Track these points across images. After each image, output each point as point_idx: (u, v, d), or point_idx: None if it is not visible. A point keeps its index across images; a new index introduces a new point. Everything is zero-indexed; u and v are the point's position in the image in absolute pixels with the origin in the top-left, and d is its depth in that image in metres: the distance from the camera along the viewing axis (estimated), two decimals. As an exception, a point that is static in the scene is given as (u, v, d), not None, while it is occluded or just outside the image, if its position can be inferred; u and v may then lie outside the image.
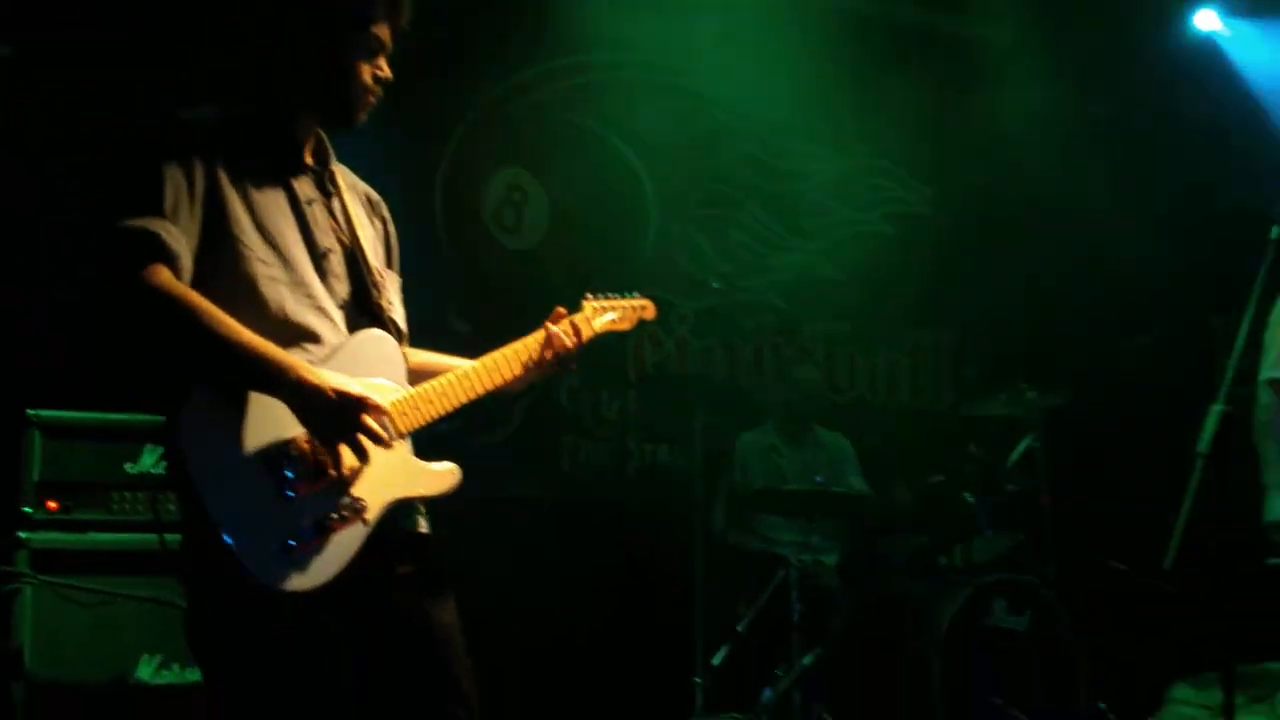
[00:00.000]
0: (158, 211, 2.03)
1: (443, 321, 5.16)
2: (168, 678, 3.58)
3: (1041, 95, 6.24)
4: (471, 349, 2.44)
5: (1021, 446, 5.38)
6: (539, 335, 2.44)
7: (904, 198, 6.60)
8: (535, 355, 2.42)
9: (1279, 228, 3.01)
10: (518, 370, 2.40)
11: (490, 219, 5.58)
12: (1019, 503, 5.26)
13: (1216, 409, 2.78)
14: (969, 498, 4.88)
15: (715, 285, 4.79)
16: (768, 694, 4.47)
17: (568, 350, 2.44)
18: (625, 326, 2.62)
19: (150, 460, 3.71)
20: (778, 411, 5.59)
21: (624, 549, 5.35)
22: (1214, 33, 6.53)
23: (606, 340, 2.58)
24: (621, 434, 5.77)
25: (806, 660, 4.30)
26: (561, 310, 2.49)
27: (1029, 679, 4.42)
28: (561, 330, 2.44)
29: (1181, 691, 5.55)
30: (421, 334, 2.46)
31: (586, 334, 2.50)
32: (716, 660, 4.59)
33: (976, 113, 6.38)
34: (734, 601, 5.03)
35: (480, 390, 2.35)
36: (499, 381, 2.39)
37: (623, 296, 2.62)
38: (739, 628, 4.65)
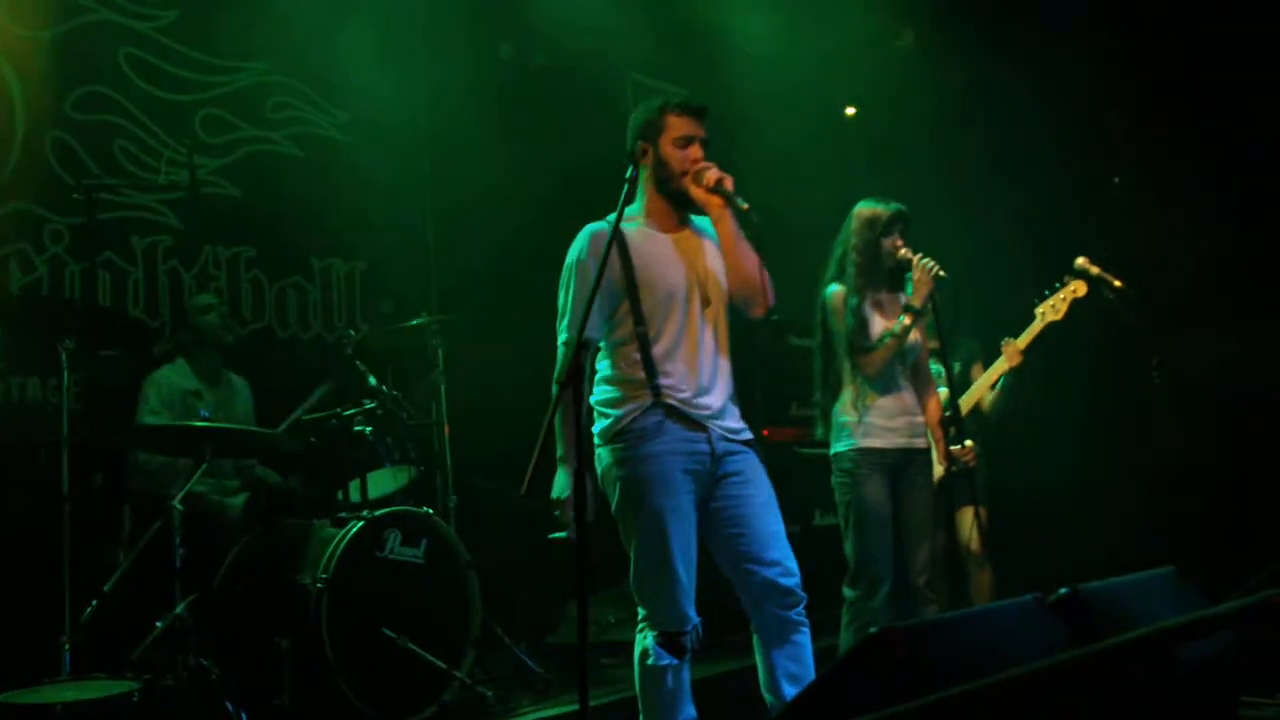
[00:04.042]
0: None
1: None
2: None
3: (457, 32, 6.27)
4: None
5: (427, 380, 5.38)
6: None
7: (314, 119, 6.30)
8: None
9: (632, 168, 3.18)
10: None
11: None
12: (421, 435, 5.25)
13: (562, 340, 2.86)
14: (368, 432, 4.78)
15: (76, 197, 4.23)
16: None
17: None
18: None
19: None
20: (187, 348, 5.14)
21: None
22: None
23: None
24: (-18, 365, 5.01)
25: (179, 608, 3.98)
26: None
27: (423, 609, 4.42)
28: None
29: (573, 610, 5.89)
30: None
31: None
32: (84, 618, 4.15)
33: (394, 44, 6.26)
34: (115, 551, 4.59)
35: None
36: None
37: None
38: (107, 586, 4.23)
